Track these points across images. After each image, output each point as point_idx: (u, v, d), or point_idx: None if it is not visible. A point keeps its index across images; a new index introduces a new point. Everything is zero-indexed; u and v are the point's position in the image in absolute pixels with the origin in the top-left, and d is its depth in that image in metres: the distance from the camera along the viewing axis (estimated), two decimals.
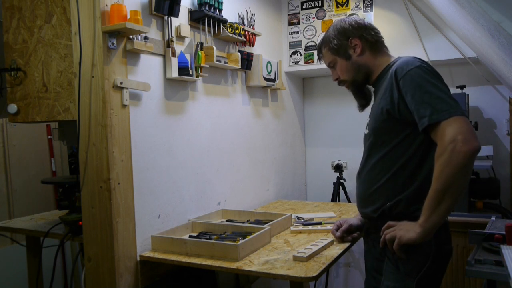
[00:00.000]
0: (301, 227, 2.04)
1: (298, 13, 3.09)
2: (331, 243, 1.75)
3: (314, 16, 3.03)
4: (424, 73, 1.35)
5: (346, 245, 1.80)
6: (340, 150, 3.28)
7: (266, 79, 2.66)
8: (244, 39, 2.46)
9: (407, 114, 1.37)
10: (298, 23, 3.09)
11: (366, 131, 1.58)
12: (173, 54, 1.93)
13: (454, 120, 1.26)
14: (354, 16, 1.64)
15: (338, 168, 2.97)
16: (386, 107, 1.42)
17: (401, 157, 1.44)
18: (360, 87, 1.62)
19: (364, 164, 1.58)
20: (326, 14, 2.99)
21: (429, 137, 1.35)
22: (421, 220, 1.32)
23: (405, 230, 1.35)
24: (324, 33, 1.66)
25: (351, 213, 2.33)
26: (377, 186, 1.49)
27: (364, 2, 2.87)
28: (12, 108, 2.00)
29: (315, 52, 3.02)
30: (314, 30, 3.03)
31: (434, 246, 1.38)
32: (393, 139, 1.45)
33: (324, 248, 1.70)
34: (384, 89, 1.46)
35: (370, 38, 1.56)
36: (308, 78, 3.44)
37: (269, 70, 2.69)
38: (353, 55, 1.57)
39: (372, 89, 1.63)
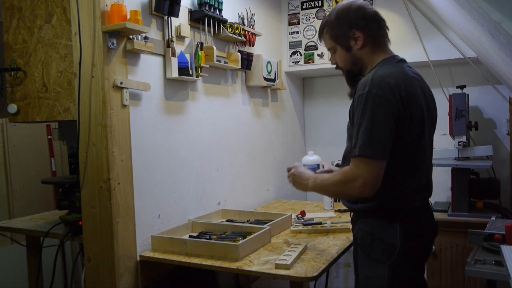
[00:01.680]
0: (301, 227, 2.04)
1: (298, 13, 3.09)
2: (306, 248, 1.76)
3: (314, 16, 3.03)
4: (365, 102, 1.36)
5: (346, 245, 1.80)
6: (340, 150, 3.23)
7: (266, 79, 2.66)
8: (244, 39, 2.46)
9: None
10: (298, 23, 3.09)
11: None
12: (173, 54, 1.93)
13: (363, 161, 1.36)
14: (359, 1, 1.54)
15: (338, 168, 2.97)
16: (349, 112, 1.52)
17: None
18: (354, 77, 1.58)
19: (343, 158, 1.63)
20: (326, 14, 2.99)
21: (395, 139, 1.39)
22: (311, 186, 1.55)
23: (298, 183, 1.62)
24: (328, 14, 1.60)
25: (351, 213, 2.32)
26: None
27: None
28: (12, 108, 2.00)
29: (315, 52, 3.02)
30: (314, 30, 3.03)
31: (401, 238, 1.40)
32: None
33: (301, 252, 1.69)
34: (352, 101, 1.50)
35: (374, 32, 1.50)
36: (308, 78, 3.44)
37: (269, 70, 2.69)
38: (353, 47, 1.52)
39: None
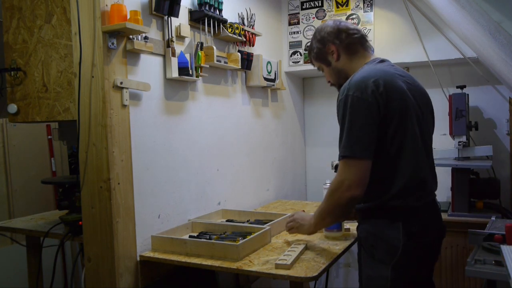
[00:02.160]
0: None
1: (298, 13, 3.09)
2: (306, 248, 1.76)
3: (314, 16, 3.03)
4: (344, 106, 1.42)
5: (346, 245, 1.80)
6: None
7: (266, 79, 2.66)
8: (244, 39, 2.46)
9: None
10: (298, 23, 3.09)
11: None
12: (173, 54, 1.93)
13: (348, 162, 1.40)
14: (330, 21, 1.66)
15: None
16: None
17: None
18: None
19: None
20: (326, 14, 2.99)
21: (383, 142, 1.42)
22: (312, 223, 1.65)
23: (302, 225, 1.73)
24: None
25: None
26: None
27: (364, 2, 2.87)
28: (12, 108, 2.00)
29: None
30: (314, 30, 3.02)
31: (403, 238, 1.41)
32: None
33: (301, 252, 1.69)
34: None
35: (343, 42, 1.59)
36: (308, 78, 3.44)
37: (269, 70, 2.69)
38: (332, 61, 1.63)
39: None
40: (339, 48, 1.60)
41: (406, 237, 1.41)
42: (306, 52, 3.04)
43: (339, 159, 1.43)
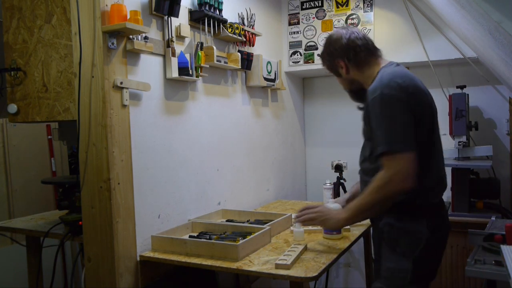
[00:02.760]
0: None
1: (298, 13, 3.09)
2: (306, 248, 1.76)
3: (314, 16, 3.03)
4: (380, 103, 1.46)
5: (346, 245, 1.80)
6: (340, 150, 3.28)
7: (266, 79, 2.66)
8: (244, 39, 2.46)
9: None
10: (298, 23, 3.09)
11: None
12: (173, 54, 1.93)
13: (394, 157, 1.42)
14: (339, 31, 1.71)
15: (338, 168, 2.97)
16: (365, 123, 1.59)
17: None
18: (358, 93, 1.72)
19: (363, 155, 1.68)
20: (326, 14, 2.99)
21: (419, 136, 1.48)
22: (344, 217, 1.58)
23: (329, 219, 1.64)
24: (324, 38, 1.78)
25: None
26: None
27: (364, 2, 2.87)
28: (12, 108, 2.00)
29: (315, 52, 3.02)
30: (314, 30, 3.03)
31: (428, 231, 1.49)
32: None
33: (301, 252, 1.69)
34: (364, 106, 1.59)
35: (351, 59, 1.65)
36: (308, 78, 3.44)
37: (269, 70, 2.69)
38: (342, 73, 1.70)
39: None
40: (348, 64, 1.66)
41: (429, 231, 1.49)
42: (307, 52, 3.05)
43: (378, 154, 1.45)
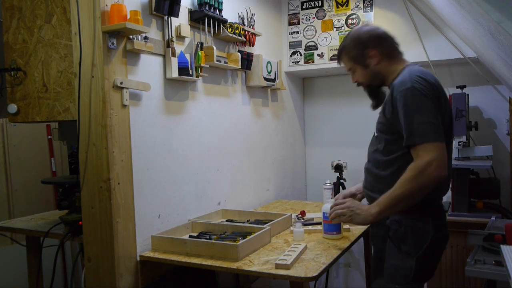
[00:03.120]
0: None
1: (298, 13, 3.09)
2: (306, 248, 1.76)
3: (314, 16, 3.03)
4: (412, 96, 1.47)
5: (346, 245, 1.80)
6: (340, 150, 3.28)
7: (266, 79, 2.66)
8: (244, 39, 2.46)
9: (398, 125, 1.52)
10: (298, 23, 3.09)
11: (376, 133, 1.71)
12: (173, 54, 1.93)
13: (428, 146, 1.44)
14: (367, 26, 1.75)
15: (338, 168, 2.97)
16: (385, 115, 1.58)
17: (406, 153, 1.53)
18: (375, 90, 1.73)
19: (372, 152, 1.69)
20: (326, 14, 2.99)
21: None
22: (376, 211, 1.53)
23: (358, 214, 1.60)
24: (344, 39, 1.76)
25: None
26: (383, 176, 1.61)
27: (364, 2, 2.87)
28: (12, 108, 2.00)
29: (315, 52, 3.02)
30: (314, 30, 3.03)
31: (433, 230, 1.53)
32: (396, 138, 1.57)
33: (301, 252, 1.69)
34: (386, 99, 1.60)
35: (386, 48, 1.66)
36: (308, 78, 3.44)
37: (269, 70, 2.69)
38: (370, 64, 1.67)
39: (386, 90, 1.73)
40: (381, 54, 1.66)
41: (435, 230, 1.53)
42: (307, 52, 3.04)
43: (413, 144, 1.46)
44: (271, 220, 2.06)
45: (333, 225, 1.84)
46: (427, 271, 1.57)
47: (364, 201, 1.78)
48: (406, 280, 1.53)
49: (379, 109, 1.71)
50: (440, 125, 1.47)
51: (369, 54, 1.66)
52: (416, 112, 1.46)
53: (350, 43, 1.71)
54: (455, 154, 2.55)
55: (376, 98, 1.73)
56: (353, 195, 1.87)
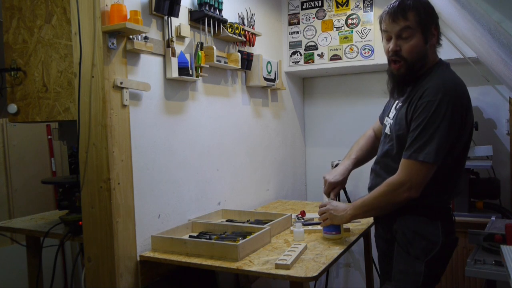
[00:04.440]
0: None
1: (298, 13, 3.08)
2: (306, 248, 1.76)
3: (314, 16, 3.03)
4: (437, 109, 1.40)
5: (346, 245, 1.80)
6: (340, 150, 3.27)
7: (266, 79, 2.66)
8: (244, 39, 2.46)
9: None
10: (298, 23, 3.09)
11: (388, 131, 1.62)
12: (173, 54, 1.93)
13: (422, 165, 1.42)
14: None
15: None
16: (407, 116, 1.50)
17: None
18: (410, 75, 1.52)
19: (382, 155, 1.65)
20: (326, 14, 2.99)
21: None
22: (350, 214, 1.64)
23: (335, 216, 1.71)
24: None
25: None
26: None
27: (364, 2, 2.87)
28: (12, 108, 2.00)
29: (315, 52, 3.02)
30: (314, 30, 3.03)
31: (442, 235, 1.50)
32: None
33: (301, 252, 1.69)
34: (414, 98, 1.49)
35: (439, 33, 1.54)
36: (308, 78, 3.44)
37: (269, 70, 2.69)
38: (430, 40, 1.50)
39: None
40: (438, 37, 1.53)
41: (444, 235, 1.50)
42: (307, 52, 3.03)
43: (409, 157, 1.44)
44: (271, 220, 2.06)
45: (332, 225, 1.84)
46: (436, 276, 1.55)
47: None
48: (416, 285, 1.49)
49: (388, 105, 1.66)
50: (446, 148, 1.43)
51: (433, 31, 1.49)
52: (436, 129, 1.40)
53: (426, 8, 1.47)
54: None
55: (401, 87, 1.54)
56: (337, 184, 1.83)
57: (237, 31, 2.36)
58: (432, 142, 1.40)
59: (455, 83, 1.47)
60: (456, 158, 1.51)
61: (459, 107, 1.43)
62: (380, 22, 1.55)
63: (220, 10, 2.23)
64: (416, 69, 1.51)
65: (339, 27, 2.95)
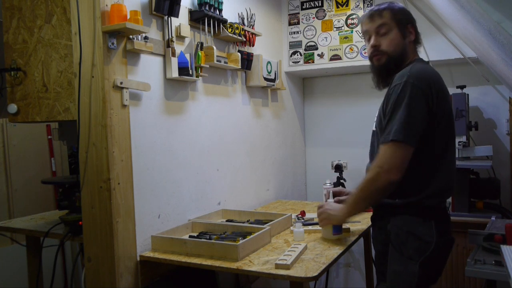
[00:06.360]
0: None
1: (298, 13, 3.09)
2: (306, 248, 1.76)
3: (314, 16, 3.03)
4: (404, 90, 1.45)
5: (346, 245, 1.80)
6: (340, 150, 3.28)
7: (266, 79, 2.66)
8: (244, 39, 2.46)
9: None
10: (298, 23, 3.09)
11: (374, 128, 1.67)
12: (173, 54, 1.93)
13: (396, 145, 1.43)
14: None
15: (338, 168, 2.97)
16: (384, 110, 1.55)
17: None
18: (391, 67, 1.60)
19: (372, 151, 1.66)
20: (326, 14, 2.99)
21: (424, 141, 1.48)
22: (345, 212, 1.64)
23: (333, 215, 1.71)
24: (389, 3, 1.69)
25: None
26: None
27: (364, 2, 2.87)
28: (12, 108, 2.00)
29: (315, 52, 3.02)
30: (314, 30, 3.03)
31: (436, 235, 1.49)
32: None
33: (301, 252, 1.69)
34: (387, 92, 1.57)
35: (418, 36, 1.66)
36: (308, 78, 3.44)
37: (269, 70, 2.69)
38: (407, 36, 1.62)
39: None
40: (416, 35, 1.65)
41: (438, 235, 1.49)
42: (307, 52, 3.04)
43: (382, 142, 1.47)
44: (271, 220, 2.06)
45: (337, 226, 1.83)
46: (432, 277, 1.54)
47: None
48: (409, 285, 1.48)
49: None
50: (420, 130, 1.44)
51: (409, 29, 1.62)
52: (402, 109, 1.44)
53: (398, 8, 1.63)
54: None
55: (384, 80, 1.65)
56: (341, 192, 1.94)
57: (237, 31, 2.36)
58: (400, 121, 1.43)
59: (423, 70, 1.50)
60: (436, 150, 1.50)
61: (424, 89, 1.44)
62: (362, 26, 1.69)
63: (220, 10, 2.23)
64: (397, 62, 1.60)
65: (339, 27, 2.95)
